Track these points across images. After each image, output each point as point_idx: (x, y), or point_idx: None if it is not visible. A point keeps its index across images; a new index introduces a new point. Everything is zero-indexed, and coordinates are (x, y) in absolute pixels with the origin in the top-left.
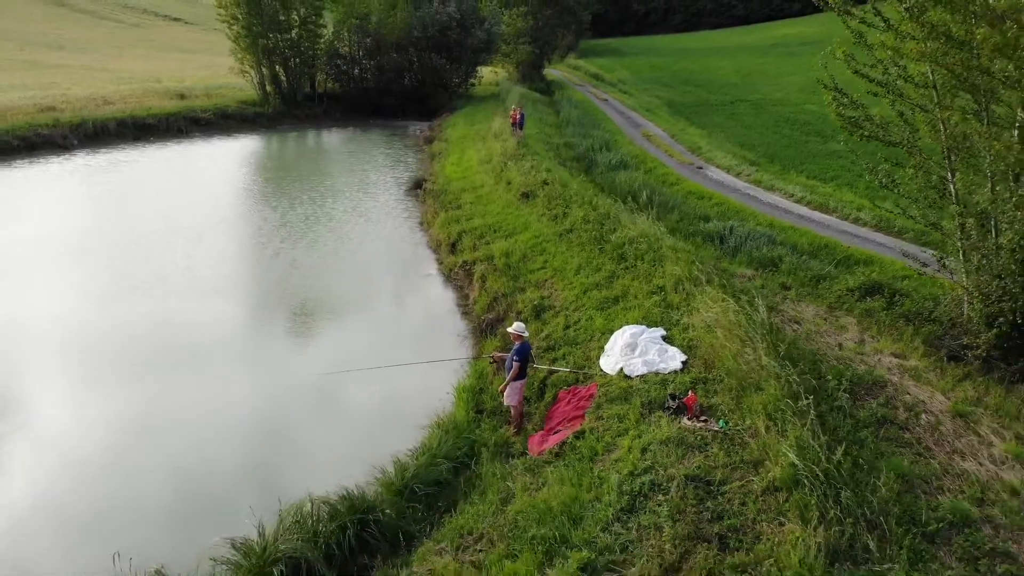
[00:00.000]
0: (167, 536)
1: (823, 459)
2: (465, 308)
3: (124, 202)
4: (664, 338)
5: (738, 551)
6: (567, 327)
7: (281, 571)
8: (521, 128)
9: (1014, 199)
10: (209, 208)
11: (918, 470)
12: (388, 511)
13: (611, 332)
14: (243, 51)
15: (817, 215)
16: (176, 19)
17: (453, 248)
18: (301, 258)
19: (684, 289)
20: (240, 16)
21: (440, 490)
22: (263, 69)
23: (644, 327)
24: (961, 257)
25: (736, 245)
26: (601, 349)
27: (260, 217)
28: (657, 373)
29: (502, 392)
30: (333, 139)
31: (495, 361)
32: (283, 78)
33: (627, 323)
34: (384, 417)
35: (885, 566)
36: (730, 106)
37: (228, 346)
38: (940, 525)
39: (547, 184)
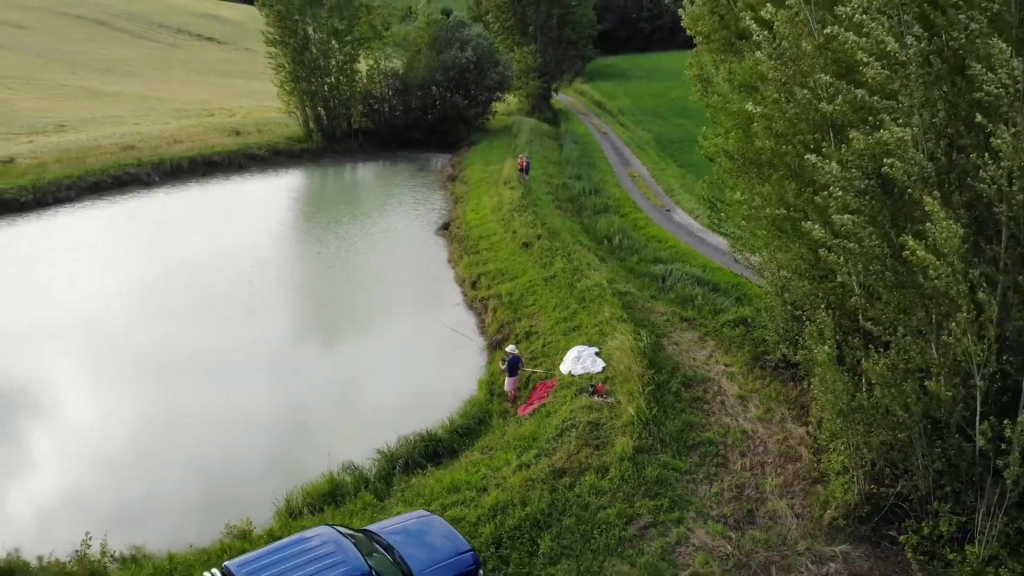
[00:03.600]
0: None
1: (647, 413)
2: (482, 329)
3: (195, 234)
4: (597, 354)
5: (602, 450)
6: (544, 345)
7: (399, 463)
8: (527, 173)
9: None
10: (269, 235)
11: (700, 421)
12: (447, 440)
13: (567, 349)
14: (288, 94)
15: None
16: (209, 38)
17: (474, 285)
18: (352, 291)
19: (612, 324)
20: (287, 64)
21: (472, 430)
22: (307, 109)
23: (587, 346)
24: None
25: (671, 284)
26: (562, 359)
27: (316, 247)
28: (588, 373)
29: (503, 383)
30: (368, 173)
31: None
32: (324, 117)
33: (578, 344)
34: (430, 399)
35: (661, 455)
36: None
37: (302, 352)
38: (696, 443)
39: (540, 238)
